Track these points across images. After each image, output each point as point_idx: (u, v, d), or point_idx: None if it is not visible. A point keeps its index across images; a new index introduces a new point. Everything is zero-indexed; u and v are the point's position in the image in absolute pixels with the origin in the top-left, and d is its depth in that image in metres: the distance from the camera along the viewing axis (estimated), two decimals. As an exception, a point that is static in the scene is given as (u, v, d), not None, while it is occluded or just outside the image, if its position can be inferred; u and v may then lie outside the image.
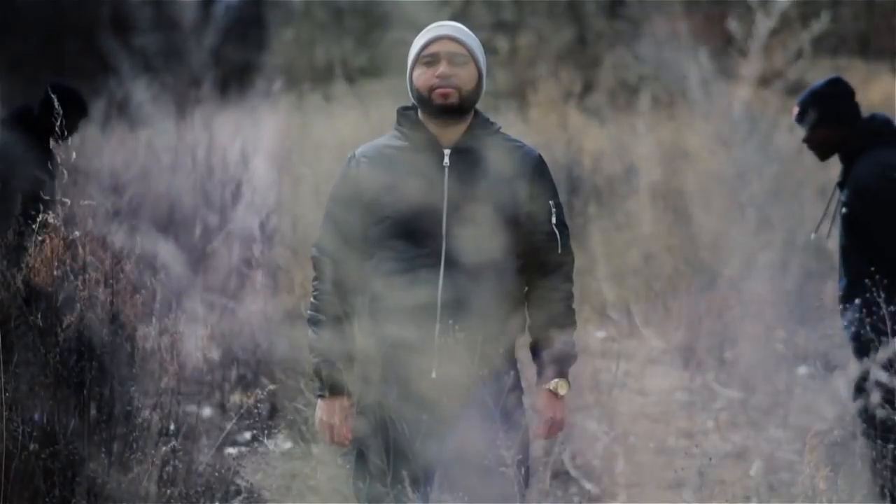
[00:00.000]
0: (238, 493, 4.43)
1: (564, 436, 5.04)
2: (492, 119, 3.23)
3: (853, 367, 4.00)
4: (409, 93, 3.20)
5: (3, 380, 3.66)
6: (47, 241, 3.80)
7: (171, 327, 3.90)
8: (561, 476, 5.14)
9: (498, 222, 3.07)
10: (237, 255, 7.27)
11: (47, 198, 3.93)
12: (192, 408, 4.75)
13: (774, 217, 7.41)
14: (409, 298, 3.03)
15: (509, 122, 9.58)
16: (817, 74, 4.56)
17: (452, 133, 3.15)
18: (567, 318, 3.20)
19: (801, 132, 4.36)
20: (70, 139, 3.82)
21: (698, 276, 7.59)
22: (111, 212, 6.35)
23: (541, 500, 4.55)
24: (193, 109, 10.03)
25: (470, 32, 3.22)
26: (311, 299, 3.19)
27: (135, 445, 3.80)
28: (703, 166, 8.74)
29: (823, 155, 4.34)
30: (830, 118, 4.26)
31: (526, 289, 3.20)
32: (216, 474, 4.06)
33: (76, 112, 5.41)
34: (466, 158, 3.12)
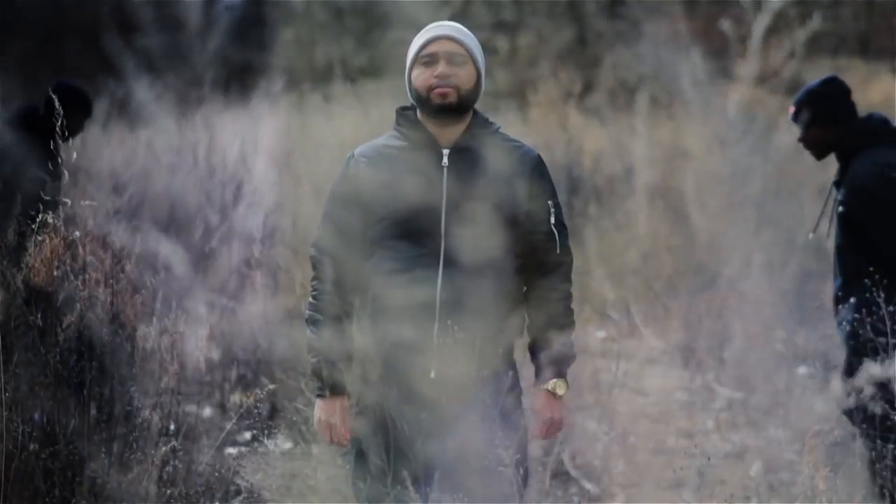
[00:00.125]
0: (238, 493, 4.44)
1: (564, 436, 5.04)
2: (491, 119, 3.24)
3: (851, 367, 4.00)
4: (408, 93, 3.20)
5: (3, 380, 3.66)
6: (47, 241, 3.81)
7: (171, 327, 3.90)
8: (561, 476, 5.14)
9: (497, 222, 3.07)
10: (237, 255, 7.27)
11: (48, 198, 3.93)
12: (192, 408, 4.75)
13: (774, 217, 7.41)
14: (408, 298, 3.04)
15: (509, 122, 9.59)
16: (817, 74, 4.55)
17: (451, 133, 3.15)
18: (566, 318, 3.20)
19: (798, 132, 4.36)
20: (77, 139, 3.84)
21: (698, 276, 7.60)
22: (111, 212, 6.35)
23: (541, 500, 4.55)
24: (194, 109, 10.03)
25: (468, 32, 3.22)
26: (310, 299, 3.20)
27: (135, 445, 3.80)
28: (703, 166, 8.75)
29: (820, 154, 4.34)
30: (826, 117, 4.26)
31: (525, 289, 3.20)
32: (216, 474, 4.06)
33: (82, 112, 5.41)
34: (465, 158, 3.13)
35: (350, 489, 3.22)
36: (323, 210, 3.23)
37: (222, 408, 5.86)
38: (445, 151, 3.13)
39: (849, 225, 4.16)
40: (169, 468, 3.86)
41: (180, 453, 3.92)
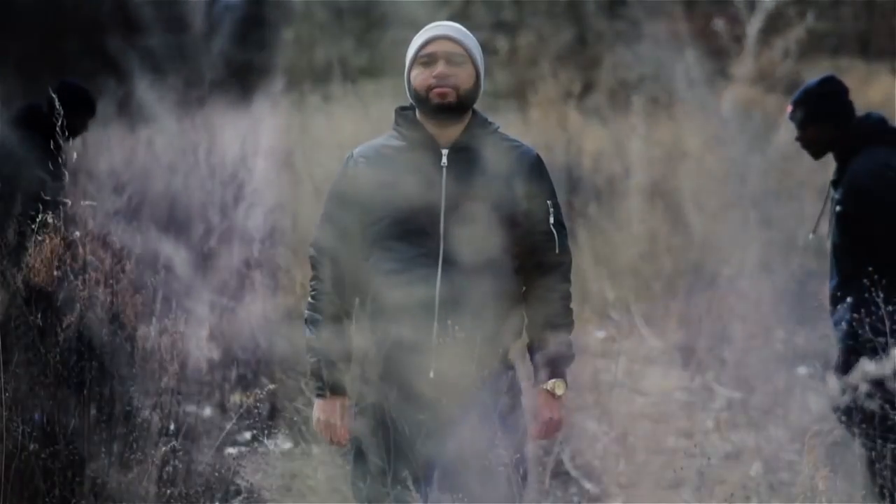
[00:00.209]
0: (238, 493, 4.44)
1: (564, 436, 5.04)
2: (490, 119, 3.24)
3: (845, 366, 4.00)
4: (407, 92, 3.21)
5: (3, 380, 3.67)
6: (47, 241, 3.81)
7: (171, 327, 3.90)
8: (561, 476, 5.14)
9: (495, 222, 3.07)
10: (237, 255, 7.27)
11: (48, 198, 3.93)
12: (192, 408, 4.75)
13: (774, 217, 7.42)
14: (407, 298, 3.04)
15: (509, 123, 9.58)
16: (817, 74, 4.55)
17: (450, 133, 3.15)
18: (565, 318, 3.20)
19: (796, 131, 4.36)
20: (78, 138, 3.84)
21: (698, 275, 7.60)
22: (111, 212, 6.35)
23: (541, 500, 4.55)
24: (194, 109, 10.03)
25: (467, 32, 3.22)
26: (309, 299, 3.20)
27: (135, 445, 3.80)
28: (703, 166, 8.75)
29: (817, 153, 4.35)
30: (823, 116, 4.26)
31: (524, 288, 3.20)
32: (216, 474, 4.06)
33: (85, 111, 5.41)
34: (464, 158, 3.13)
35: (350, 489, 3.22)
36: (322, 210, 3.24)
37: (222, 408, 5.85)
38: (444, 151, 3.13)
39: (847, 224, 4.16)
40: (169, 468, 3.87)
41: (180, 453, 3.92)
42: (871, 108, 4.70)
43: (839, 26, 14.22)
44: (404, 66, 3.22)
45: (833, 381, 3.96)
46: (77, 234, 3.87)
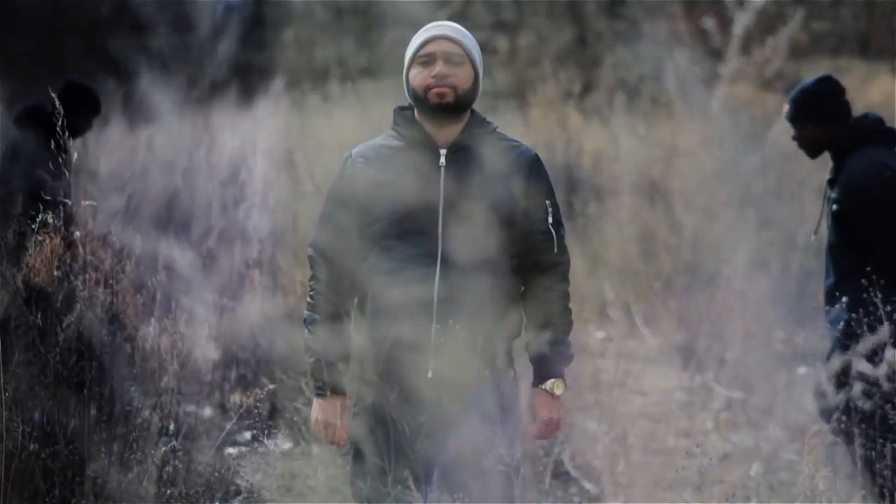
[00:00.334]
0: (238, 493, 4.43)
1: (564, 436, 5.04)
2: (488, 118, 3.24)
3: (836, 364, 4.00)
4: (406, 92, 3.21)
5: (3, 380, 3.67)
6: (47, 241, 3.81)
7: (171, 327, 3.90)
8: (561, 476, 5.14)
9: (494, 221, 3.07)
10: (238, 255, 7.27)
11: (48, 197, 3.93)
12: (192, 408, 4.75)
13: (774, 217, 7.42)
14: (406, 298, 3.04)
15: (509, 123, 9.59)
16: (817, 74, 4.56)
17: (449, 132, 3.15)
18: (563, 318, 3.20)
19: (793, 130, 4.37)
20: (82, 137, 3.83)
21: (697, 275, 7.60)
22: (111, 212, 6.35)
23: (541, 500, 4.55)
24: (194, 109, 10.03)
25: (466, 32, 3.22)
26: (308, 299, 3.20)
27: (135, 445, 3.80)
28: (703, 166, 8.75)
29: (813, 153, 4.35)
30: (820, 116, 4.27)
31: (522, 288, 3.20)
32: (216, 474, 4.06)
33: (90, 110, 5.40)
34: (463, 158, 3.13)
35: (350, 489, 3.22)
36: (321, 210, 3.24)
37: (222, 408, 5.85)
38: (443, 151, 3.14)
39: (843, 224, 4.16)
40: (169, 468, 3.86)
41: (180, 453, 3.92)
42: (871, 108, 4.71)
43: (839, 26, 14.22)
44: (403, 65, 3.23)
45: (824, 381, 3.97)
46: (77, 234, 3.87)
